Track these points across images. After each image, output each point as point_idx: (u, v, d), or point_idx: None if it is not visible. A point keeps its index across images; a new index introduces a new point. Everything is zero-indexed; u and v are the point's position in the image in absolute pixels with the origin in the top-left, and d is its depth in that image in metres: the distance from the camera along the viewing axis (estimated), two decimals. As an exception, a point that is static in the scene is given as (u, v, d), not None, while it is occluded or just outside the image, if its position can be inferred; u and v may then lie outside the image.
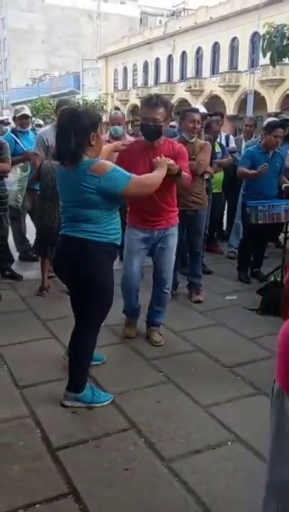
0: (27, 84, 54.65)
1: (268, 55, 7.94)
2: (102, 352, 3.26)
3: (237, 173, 5.01)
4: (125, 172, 2.57)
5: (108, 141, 5.46)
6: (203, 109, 5.64)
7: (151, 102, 3.20)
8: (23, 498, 2.02)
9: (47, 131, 5.10)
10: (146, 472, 2.22)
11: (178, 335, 3.73)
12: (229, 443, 2.44)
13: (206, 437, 2.47)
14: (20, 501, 2.01)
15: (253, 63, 29.50)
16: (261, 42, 8.15)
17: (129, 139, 5.90)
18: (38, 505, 2.00)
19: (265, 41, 7.91)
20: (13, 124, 6.18)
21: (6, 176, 4.77)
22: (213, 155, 5.16)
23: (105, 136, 5.72)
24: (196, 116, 4.17)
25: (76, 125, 2.45)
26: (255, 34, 27.37)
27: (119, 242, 2.72)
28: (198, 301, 4.40)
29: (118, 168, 2.56)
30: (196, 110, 4.44)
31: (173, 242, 3.51)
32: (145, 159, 3.19)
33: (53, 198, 4.04)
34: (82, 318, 2.74)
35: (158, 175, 2.83)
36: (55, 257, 2.85)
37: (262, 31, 8.36)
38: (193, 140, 4.19)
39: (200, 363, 3.29)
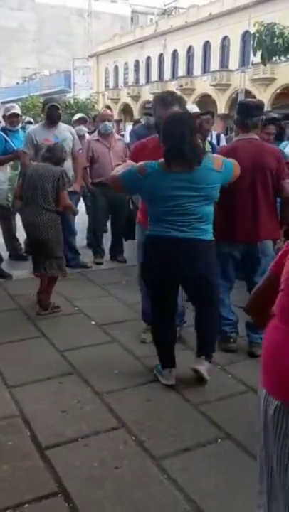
0: (17, 83, 54.41)
1: (259, 53, 7.98)
2: (94, 351, 3.26)
3: None
4: (227, 159, 2.86)
5: (97, 140, 5.48)
6: (195, 109, 5.63)
7: (166, 100, 3.12)
8: (12, 498, 2.01)
9: (36, 129, 5.08)
10: (136, 471, 2.21)
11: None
12: (219, 440, 2.44)
13: (197, 435, 2.47)
14: (9, 501, 1.99)
15: (244, 62, 29.58)
16: (252, 40, 8.19)
17: (117, 136, 5.90)
18: (26, 505, 1.98)
19: (256, 40, 7.95)
20: (2, 123, 6.12)
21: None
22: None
23: (94, 134, 5.72)
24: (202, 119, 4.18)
25: (190, 125, 2.71)
26: (246, 33, 27.43)
27: None
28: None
29: (223, 158, 2.86)
30: (207, 112, 4.44)
31: None
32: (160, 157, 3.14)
33: (35, 201, 3.91)
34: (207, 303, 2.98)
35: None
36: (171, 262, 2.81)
37: (253, 30, 8.41)
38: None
39: (189, 362, 3.28)
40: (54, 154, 3.99)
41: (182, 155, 2.65)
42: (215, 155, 2.87)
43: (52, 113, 4.86)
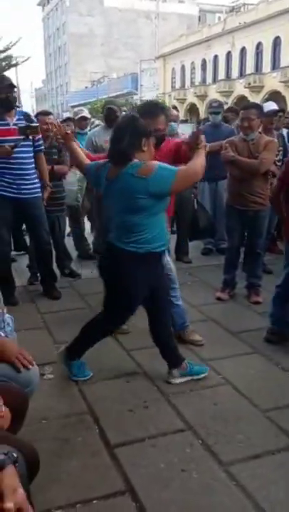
0: (86, 87, 55.88)
1: None
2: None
3: None
4: (170, 167, 2.57)
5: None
6: (273, 106, 5.35)
7: (152, 112, 3.01)
8: (81, 494, 2.05)
9: (96, 132, 5.19)
10: (204, 475, 2.18)
11: (236, 336, 3.66)
12: (290, 449, 2.35)
13: (266, 442, 2.40)
14: (78, 496, 2.04)
15: (316, 57, 28.52)
16: None
17: (183, 136, 5.86)
18: (95, 501, 2.02)
19: None
20: (72, 126, 6.30)
21: (64, 178, 4.88)
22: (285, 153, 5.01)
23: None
24: (247, 114, 4.04)
25: (131, 127, 2.56)
26: None
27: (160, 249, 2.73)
28: (257, 302, 4.29)
29: (163, 165, 2.55)
30: (250, 106, 4.25)
31: None
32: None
33: None
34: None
35: (199, 160, 2.71)
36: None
37: None
38: (253, 137, 4.08)
39: (259, 367, 3.21)
40: None
41: (109, 152, 2.65)
42: (153, 162, 2.54)
43: (109, 115, 4.95)
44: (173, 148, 3.11)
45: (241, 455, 2.30)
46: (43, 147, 4.30)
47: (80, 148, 3.06)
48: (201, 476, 2.17)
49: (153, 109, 3.08)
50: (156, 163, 2.55)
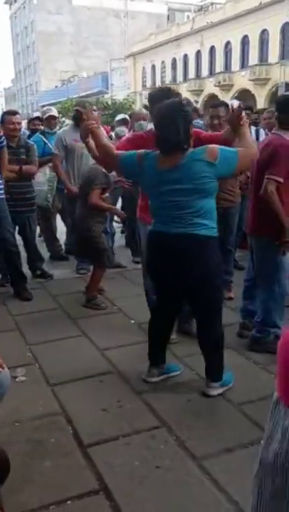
0: (56, 86, 55.39)
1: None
2: (134, 350, 3.27)
3: None
4: (230, 148, 2.59)
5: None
6: (236, 103, 5.43)
7: (163, 98, 2.97)
8: (55, 494, 2.04)
9: (65, 131, 5.17)
10: (178, 470, 2.20)
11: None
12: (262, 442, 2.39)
13: (239, 436, 2.43)
14: (51, 497, 2.02)
15: (283, 55, 28.96)
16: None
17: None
18: (69, 502, 2.01)
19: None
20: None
21: (33, 178, 4.83)
22: None
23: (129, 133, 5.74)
24: (217, 112, 4.08)
25: (182, 115, 2.51)
26: (285, 25, 26.86)
27: None
28: (230, 298, 4.33)
29: (222, 147, 2.57)
30: (220, 104, 4.31)
31: None
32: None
33: None
34: (204, 312, 2.81)
35: (249, 138, 2.73)
36: (157, 257, 2.74)
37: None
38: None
39: (233, 362, 3.24)
40: None
41: (164, 142, 2.54)
42: (213, 145, 2.57)
43: (77, 116, 4.94)
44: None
45: (214, 449, 2.32)
46: (4, 143, 4.21)
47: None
48: (175, 472, 2.18)
49: (166, 94, 3.02)
50: (216, 146, 2.56)
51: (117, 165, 2.84)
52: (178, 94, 3.15)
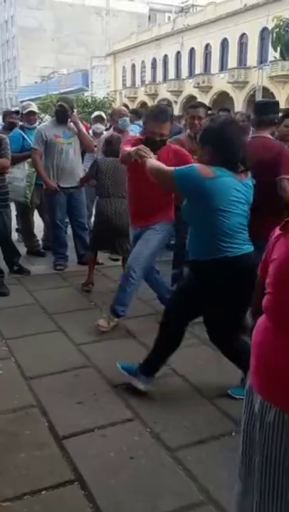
0: (36, 82, 54.82)
1: (279, 49, 7.95)
2: (110, 345, 3.29)
3: None
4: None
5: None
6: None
7: (159, 118, 3.28)
8: (29, 485, 2.06)
9: (46, 126, 5.15)
10: (152, 461, 2.24)
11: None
12: (233, 433, 2.45)
13: (211, 428, 2.49)
14: (26, 488, 2.04)
15: (262, 59, 29.36)
16: (271, 36, 8.16)
17: (131, 133, 5.92)
18: (44, 492, 2.03)
19: (275, 35, 7.91)
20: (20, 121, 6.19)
21: (7, 173, 4.74)
22: None
23: (110, 131, 5.76)
24: (197, 112, 4.16)
25: (241, 136, 2.59)
26: (264, 30, 27.22)
27: None
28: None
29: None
30: (199, 105, 4.40)
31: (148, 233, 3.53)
32: None
33: (115, 193, 4.32)
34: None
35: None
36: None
37: (271, 27, 8.37)
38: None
39: (207, 358, 3.31)
40: (116, 148, 4.20)
41: (244, 162, 2.49)
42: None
43: (60, 111, 4.95)
44: (172, 156, 3.32)
45: (187, 441, 2.38)
46: None
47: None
48: (149, 462, 2.23)
49: (161, 116, 3.30)
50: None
51: (171, 183, 2.60)
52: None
